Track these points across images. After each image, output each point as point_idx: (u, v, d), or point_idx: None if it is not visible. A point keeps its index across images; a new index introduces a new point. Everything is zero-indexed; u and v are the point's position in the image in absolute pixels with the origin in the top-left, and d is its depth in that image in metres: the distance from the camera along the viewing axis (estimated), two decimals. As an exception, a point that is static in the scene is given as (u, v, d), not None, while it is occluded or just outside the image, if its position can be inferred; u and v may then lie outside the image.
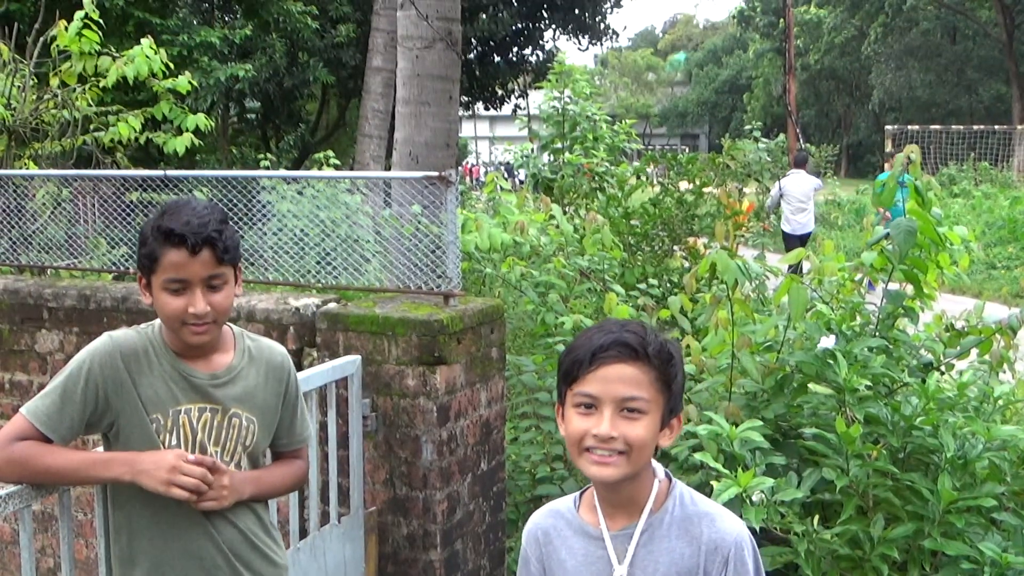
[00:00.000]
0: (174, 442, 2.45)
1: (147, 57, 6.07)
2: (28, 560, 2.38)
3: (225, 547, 2.50)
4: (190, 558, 2.48)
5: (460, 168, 31.65)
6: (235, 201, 4.43)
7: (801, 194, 12.63)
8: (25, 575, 2.38)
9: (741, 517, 2.10)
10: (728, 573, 1.87)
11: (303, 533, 3.37)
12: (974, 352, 4.26)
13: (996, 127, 27.24)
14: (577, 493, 2.04)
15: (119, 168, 6.37)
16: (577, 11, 21.98)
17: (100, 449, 2.51)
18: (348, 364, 3.54)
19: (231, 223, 2.50)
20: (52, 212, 5.04)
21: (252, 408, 2.55)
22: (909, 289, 4.19)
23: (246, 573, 2.54)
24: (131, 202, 4.77)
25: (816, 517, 3.29)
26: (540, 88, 10.02)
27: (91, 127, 6.32)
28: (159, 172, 4.46)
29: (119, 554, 2.51)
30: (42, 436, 2.37)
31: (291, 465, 2.73)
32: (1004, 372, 4.37)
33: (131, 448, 2.43)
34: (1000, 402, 4.10)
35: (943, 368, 4.25)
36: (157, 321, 2.51)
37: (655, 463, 1.94)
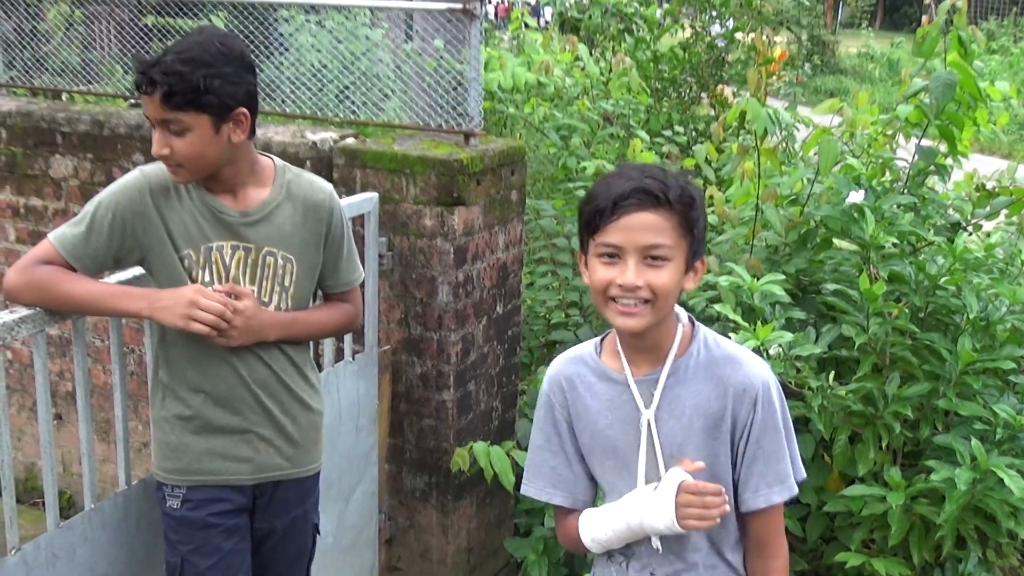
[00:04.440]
0: (207, 278, 2.43)
1: None
2: (43, 384, 2.39)
3: (255, 386, 2.51)
4: (220, 394, 2.49)
5: (487, 3, 30.80)
6: (253, 31, 4.29)
7: None
8: (39, 397, 2.40)
9: None
10: (756, 415, 1.89)
11: (317, 369, 3.38)
12: (1003, 213, 4.16)
13: (1042, -19, 26.22)
14: (597, 339, 2.03)
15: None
16: None
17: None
18: (365, 201, 3.48)
19: (238, 57, 2.35)
20: (65, 33, 4.90)
21: (289, 248, 2.50)
22: (942, 146, 4.06)
23: (277, 412, 2.56)
24: (147, 26, 4.63)
25: (831, 373, 3.27)
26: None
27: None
28: (173, -6, 4.31)
29: (160, 384, 2.53)
30: (67, 264, 2.35)
31: (336, 308, 2.70)
32: (1033, 234, 4.27)
33: (162, 284, 2.41)
34: (1027, 265, 4.02)
35: (971, 228, 4.16)
36: None
37: (678, 308, 1.93)
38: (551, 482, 2.05)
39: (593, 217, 1.82)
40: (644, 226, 1.79)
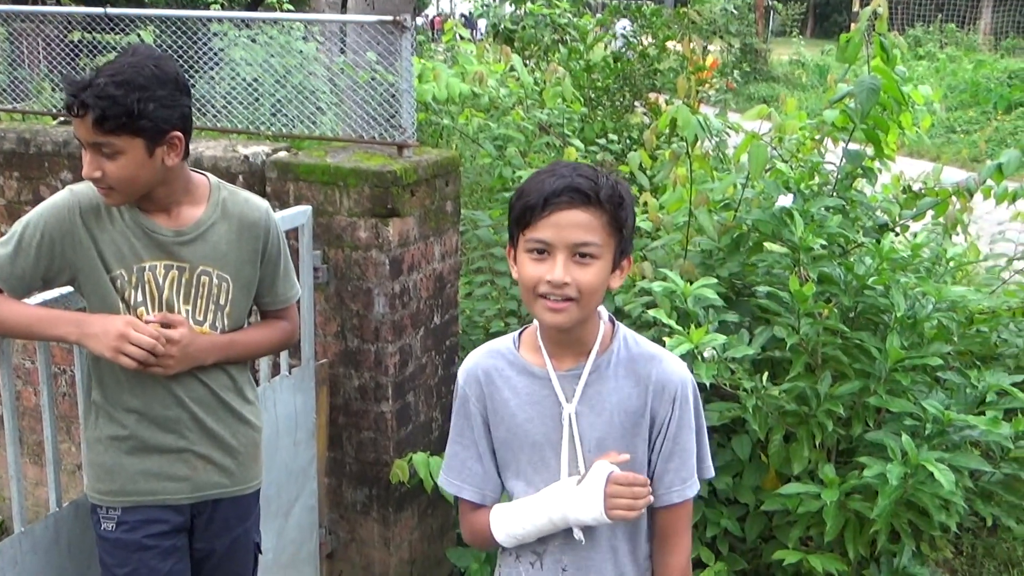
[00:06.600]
0: (140, 298, 2.39)
1: None
2: (-32, 407, 2.34)
3: (192, 404, 2.47)
4: (156, 414, 2.46)
5: (425, 18, 30.73)
6: (184, 46, 4.25)
7: None
8: (-35, 422, 2.35)
9: (693, 373, 2.15)
10: (674, 412, 1.97)
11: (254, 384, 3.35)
12: (929, 214, 4.25)
13: (965, -12, 26.88)
14: (515, 333, 2.07)
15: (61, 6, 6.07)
16: None
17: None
18: (299, 215, 3.46)
19: (173, 79, 2.31)
20: (-11, 51, 4.82)
21: (224, 266, 2.46)
22: (869, 150, 4.14)
23: (216, 429, 2.53)
24: (75, 43, 4.57)
25: (765, 374, 3.32)
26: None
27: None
28: (99, 9, 4.25)
29: (94, 405, 2.49)
30: None
31: (273, 326, 2.67)
32: (958, 234, 4.38)
33: (94, 305, 2.37)
34: (952, 264, 4.13)
35: (898, 229, 4.25)
36: None
37: (600, 307, 1.97)
38: (461, 476, 2.07)
39: (524, 213, 1.85)
40: (574, 224, 1.82)
